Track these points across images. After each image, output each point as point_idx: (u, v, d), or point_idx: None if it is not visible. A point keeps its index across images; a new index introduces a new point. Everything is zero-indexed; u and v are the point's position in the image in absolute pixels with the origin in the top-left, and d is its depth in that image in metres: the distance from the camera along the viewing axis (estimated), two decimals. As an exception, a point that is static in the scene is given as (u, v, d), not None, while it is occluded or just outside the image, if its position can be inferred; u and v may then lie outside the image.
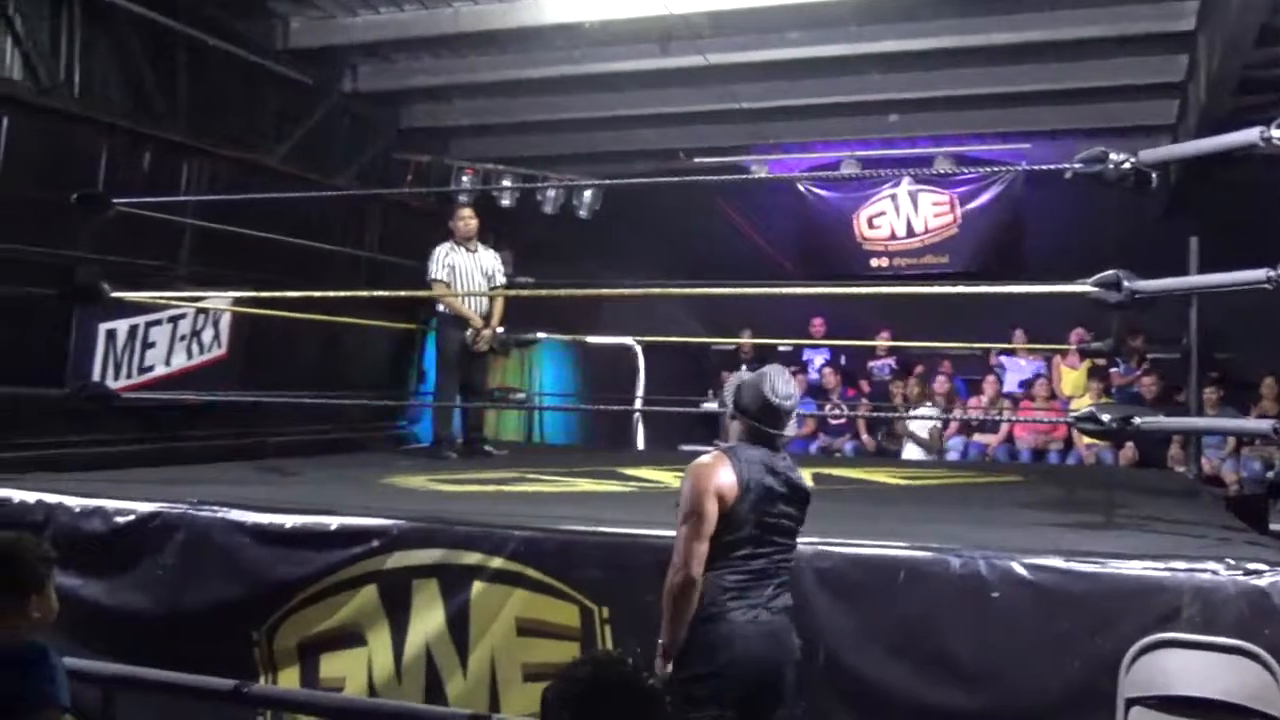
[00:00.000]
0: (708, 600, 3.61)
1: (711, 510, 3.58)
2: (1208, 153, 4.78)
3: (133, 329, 7.62)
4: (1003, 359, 11.46)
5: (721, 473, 3.62)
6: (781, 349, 11.93)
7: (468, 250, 7.83)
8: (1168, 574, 3.84)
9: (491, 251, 8.10)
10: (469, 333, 7.64)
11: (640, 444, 9.47)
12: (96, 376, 7.26)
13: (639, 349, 8.89)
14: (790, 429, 3.79)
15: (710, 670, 3.53)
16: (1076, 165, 4.56)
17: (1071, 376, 11.02)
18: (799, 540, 3.83)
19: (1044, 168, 5.68)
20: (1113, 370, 10.75)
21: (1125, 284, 4.47)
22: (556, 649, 4.31)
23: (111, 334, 7.46)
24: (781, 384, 3.74)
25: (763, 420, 3.72)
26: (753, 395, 3.74)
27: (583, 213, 11.57)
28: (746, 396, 3.76)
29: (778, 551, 3.71)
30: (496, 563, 4.44)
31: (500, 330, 7.80)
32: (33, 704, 2.47)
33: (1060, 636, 3.85)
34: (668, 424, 10.55)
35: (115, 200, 6.25)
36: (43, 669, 2.79)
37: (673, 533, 3.67)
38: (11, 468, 6.13)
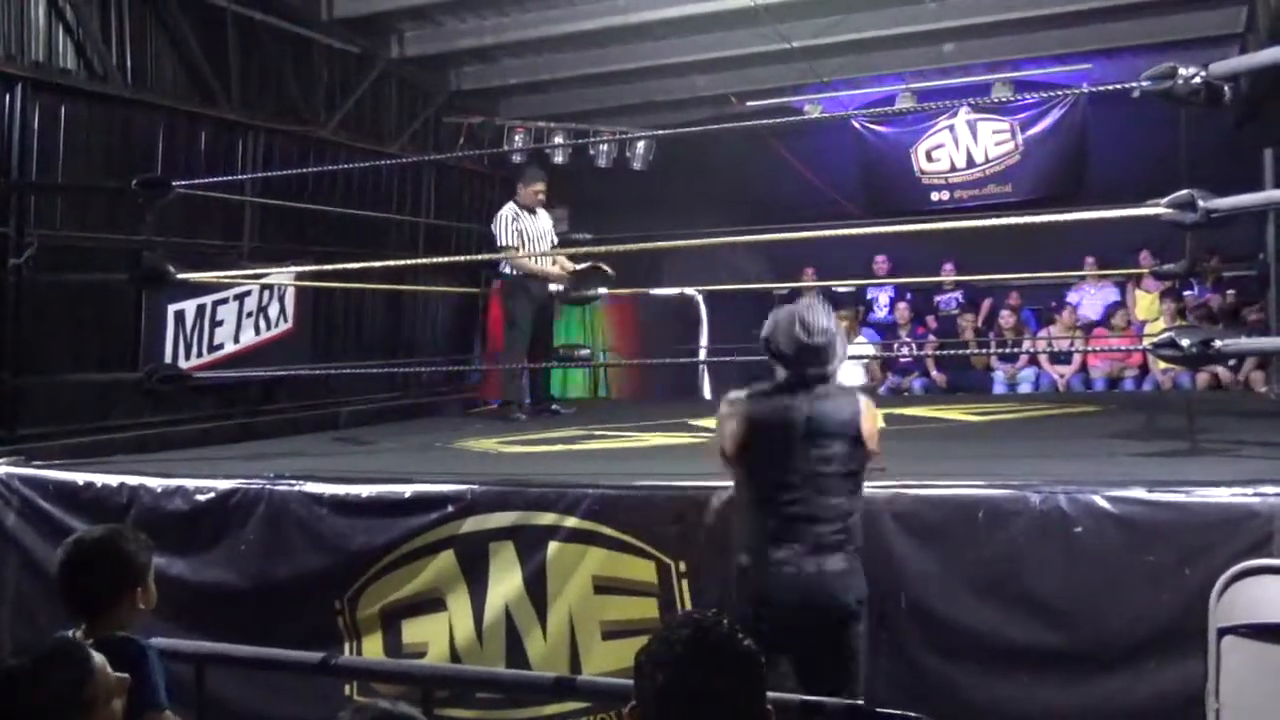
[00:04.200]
0: (742, 547, 3.58)
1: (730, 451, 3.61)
2: (1281, 62, 4.60)
3: (200, 309, 7.72)
4: (1071, 290, 11.22)
5: (730, 423, 3.59)
6: (842, 289, 11.82)
7: (532, 214, 7.87)
8: (1257, 499, 3.74)
9: (545, 212, 8.12)
10: (561, 287, 7.67)
11: (707, 394, 9.45)
12: (168, 358, 7.37)
13: (700, 299, 8.84)
14: (832, 364, 3.62)
15: (753, 612, 3.46)
16: (1144, 83, 4.40)
17: (1145, 300, 10.77)
18: (864, 484, 3.68)
19: (1110, 87, 5.50)
20: (1186, 293, 10.50)
21: (1200, 203, 4.32)
22: (634, 606, 4.32)
23: (180, 315, 7.57)
24: (812, 317, 3.59)
25: (797, 358, 3.58)
26: (783, 333, 3.60)
27: (637, 165, 11.48)
28: (778, 335, 3.63)
29: (816, 495, 3.51)
30: (571, 522, 4.45)
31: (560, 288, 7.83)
32: (135, 707, 2.46)
33: (1148, 569, 3.78)
34: (734, 372, 10.50)
35: (175, 183, 6.31)
36: (143, 669, 2.74)
37: None
38: (94, 452, 6.26)
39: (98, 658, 2.14)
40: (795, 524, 3.50)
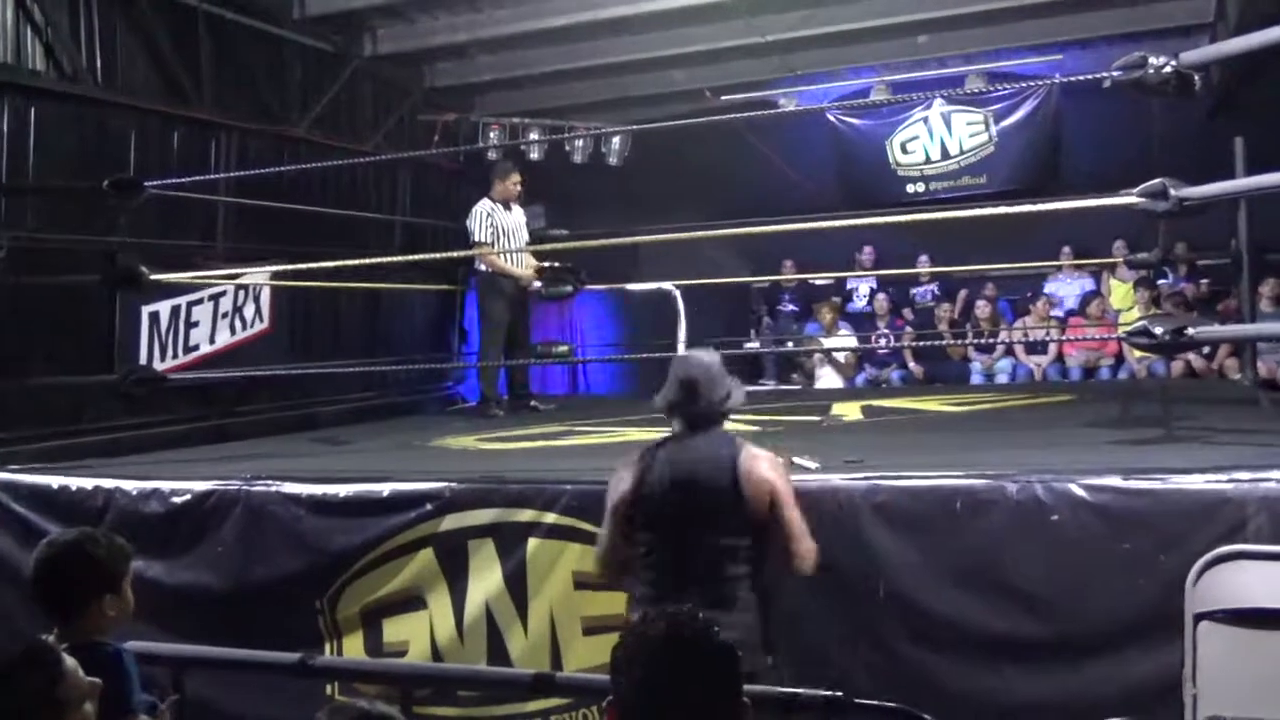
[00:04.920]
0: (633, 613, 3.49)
1: (616, 518, 3.56)
2: (1251, 50, 4.62)
3: (175, 309, 7.66)
4: (1047, 280, 11.28)
5: (620, 480, 3.58)
6: (820, 282, 11.85)
7: (506, 209, 7.84)
8: (1231, 486, 3.77)
9: (519, 208, 8.10)
10: (538, 284, 7.64)
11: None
12: (143, 359, 7.32)
13: (678, 293, 8.84)
14: (712, 398, 3.56)
15: None
16: (1115, 73, 4.42)
17: (1121, 290, 10.84)
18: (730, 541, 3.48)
19: (1082, 78, 5.54)
20: (1161, 282, 10.57)
21: (1172, 192, 4.34)
22: (614, 601, 4.30)
23: (155, 316, 7.51)
24: (694, 358, 3.64)
25: (678, 398, 3.58)
26: (669, 380, 3.63)
27: (613, 160, 11.46)
28: (666, 386, 3.65)
29: (701, 552, 3.41)
30: (550, 518, 4.45)
31: (537, 284, 7.82)
32: (108, 713, 2.45)
33: (1125, 556, 3.80)
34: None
35: (147, 184, 6.27)
36: (116, 674, 2.72)
37: None
38: (69, 455, 6.22)
39: (69, 661, 2.13)
40: (680, 584, 3.38)
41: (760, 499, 3.48)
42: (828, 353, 10.74)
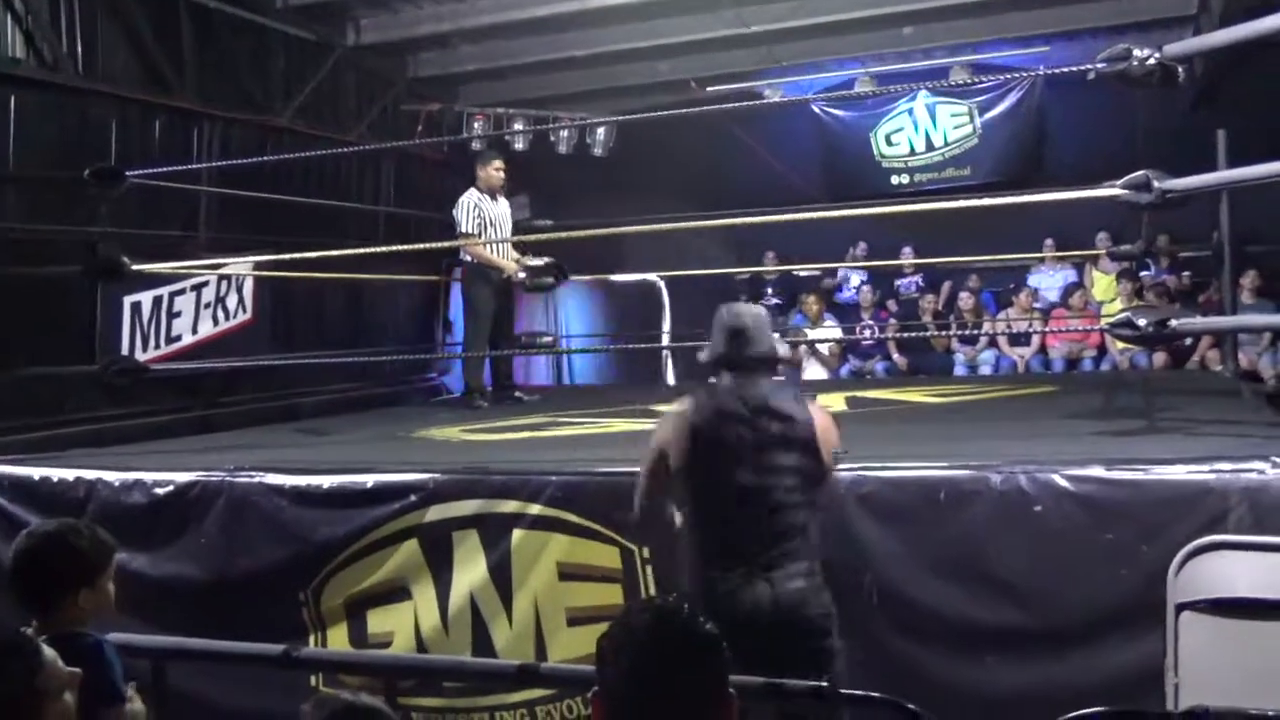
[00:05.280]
0: (691, 567, 3.44)
1: (661, 457, 3.50)
2: (1234, 42, 4.64)
3: (157, 300, 7.62)
4: (1031, 272, 11.32)
5: (670, 429, 3.50)
6: (805, 273, 11.85)
7: (493, 200, 7.82)
8: (1213, 476, 3.79)
9: (504, 199, 8.08)
10: (523, 275, 7.60)
11: (671, 379, 9.46)
12: (125, 350, 7.28)
13: (662, 284, 8.83)
14: (766, 344, 3.52)
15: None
16: (1099, 65, 4.44)
17: (1104, 281, 10.88)
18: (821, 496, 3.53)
19: (1066, 70, 5.54)
20: (1143, 274, 10.61)
21: (1155, 184, 4.36)
22: (599, 592, 4.33)
23: (137, 306, 7.47)
24: (739, 307, 3.60)
25: (731, 343, 3.50)
26: (716, 331, 3.55)
27: (597, 151, 11.44)
28: (713, 337, 3.58)
29: (767, 511, 3.35)
30: (535, 509, 4.44)
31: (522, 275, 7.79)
32: (90, 703, 2.44)
33: (1108, 547, 3.82)
34: (692, 360, 10.49)
35: (128, 173, 6.23)
36: (92, 663, 2.65)
37: None
38: (51, 446, 6.18)
39: (48, 652, 2.13)
40: (745, 544, 3.32)
41: (827, 446, 3.49)
42: (811, 345, 10.75)
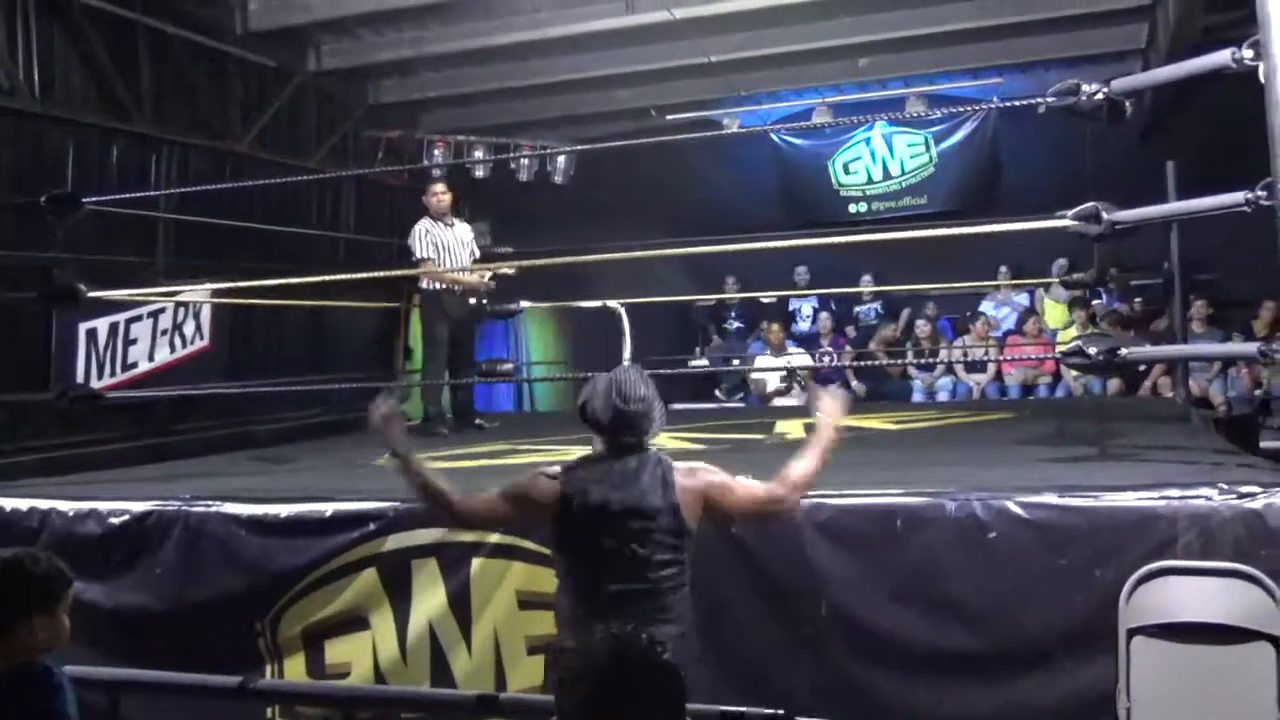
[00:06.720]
0: (562, 626, 3.47)
1: (517, 498, 3.55)
2: (1180, 78, 4.74)
3: (113, 326, 7.57)
4: (985, 299, 11.45)
5: (540, 487, 3.50)
6: (765, 300, 11.92)
7: (446, 225, 7.81)
8: (1162, 503, 3.85)
9: (465, 224, 8.08)
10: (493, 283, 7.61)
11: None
12: (80, 377, 7.22)
13: (622, 311, 8.86)
14: (650, 432, 3.54)
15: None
16: (1049, 98, 4.53)
17: (1058, 310, 11.03)
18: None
19: (1017, 103, 5.65)
20: (1095, 301, 10.77)
21: (1104, 215, 4.44)
22: (559, 620, 4.32)
23: (92, 333, 7.41)
24: (630, 385, 3.50)
25: (612, 425, 3.48)
26: (600, 400, 3.50)
27: (558, 178, 11.50)
28: (595, 402, 3.52)
29: (636, 573, 3.36)
30: (494, 538, 4.43)
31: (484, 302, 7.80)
32: None
33: (1060, 572, 3.87)
34: (659, 385, 10.51)
35: (85, 200, 6.19)
36: (43, 690, 2.67)
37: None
38: (4, 474, 6.10)
39: None
40: (617, 602, 3.32)
41: (693, 506, 3.49)
42: (764, 372, 10.78)
